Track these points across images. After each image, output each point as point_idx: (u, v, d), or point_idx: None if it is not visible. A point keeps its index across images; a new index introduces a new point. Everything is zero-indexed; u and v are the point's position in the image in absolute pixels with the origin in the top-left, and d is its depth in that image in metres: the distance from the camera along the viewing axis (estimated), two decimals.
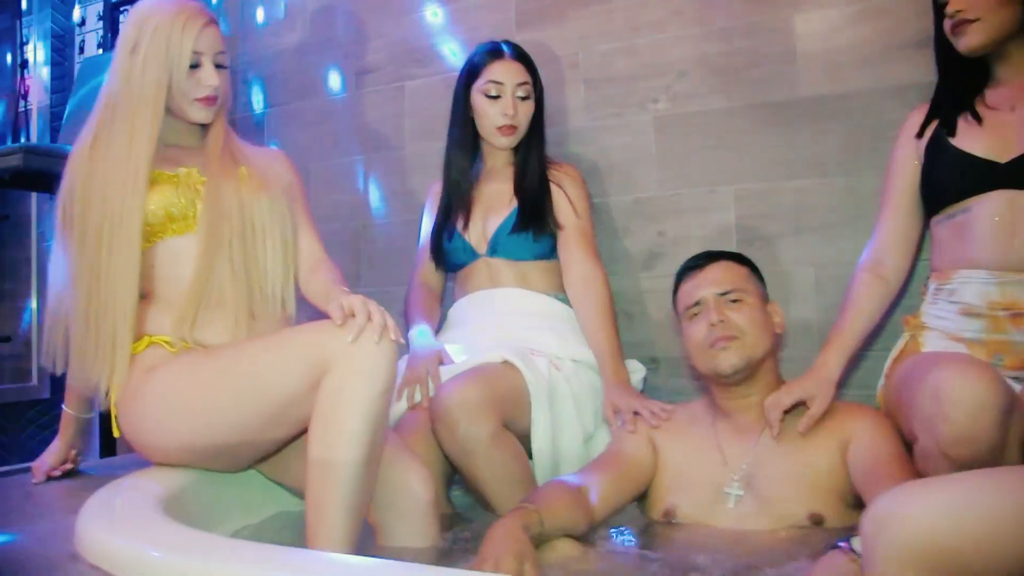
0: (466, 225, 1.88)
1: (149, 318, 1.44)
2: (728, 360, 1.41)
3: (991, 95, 1.47)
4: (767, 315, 1.47)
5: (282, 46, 2.57)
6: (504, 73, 1.83)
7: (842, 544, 1.10)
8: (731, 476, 1.43)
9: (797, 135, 1.89)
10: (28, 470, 1.73)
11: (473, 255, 1.87)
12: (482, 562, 1.14)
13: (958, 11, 1.43)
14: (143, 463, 1.55)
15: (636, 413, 1.59)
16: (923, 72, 1.75)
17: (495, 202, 1.89)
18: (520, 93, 1.84)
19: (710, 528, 1.41)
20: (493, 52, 1.86)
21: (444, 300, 2.02)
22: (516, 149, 1.90)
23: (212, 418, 1.33)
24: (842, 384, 1.74)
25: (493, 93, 1.83)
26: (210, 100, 1.48)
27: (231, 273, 1.45)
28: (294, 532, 1.42)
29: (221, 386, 1.32)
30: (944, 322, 1.46)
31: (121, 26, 1.49)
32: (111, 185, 1.41)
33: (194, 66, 1.45)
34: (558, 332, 1.77)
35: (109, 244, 1.39)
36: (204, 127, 1.53)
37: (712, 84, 1.97)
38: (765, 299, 1.51)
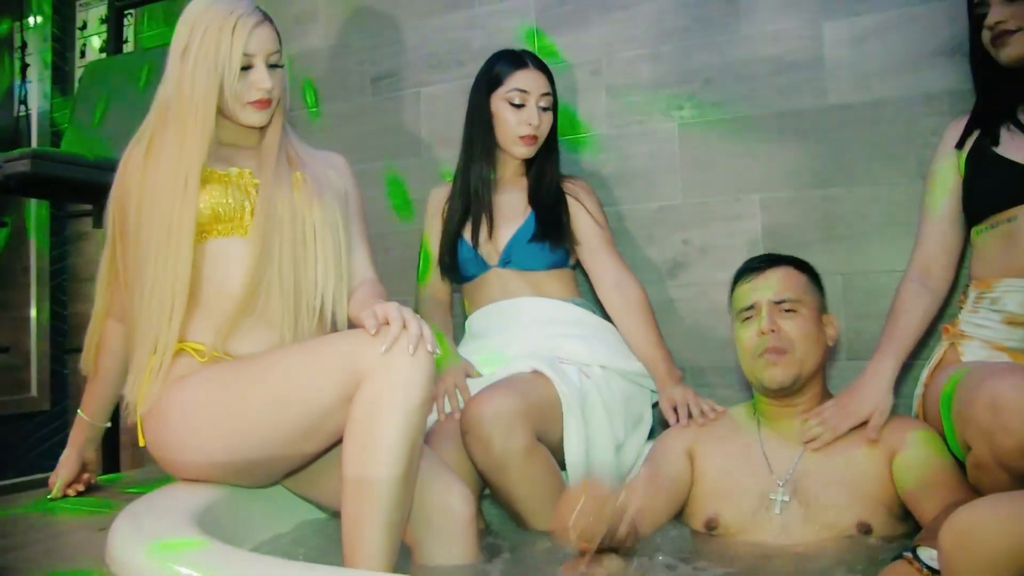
0: (477, 236, 1.84)
1: (186, 322, 1.38)
2: (775, 377, 1.39)
3: None
4: (820, 327, 1.45)
5: (294, 51, 2.53)
6: (529, 82, 1.81)
7: (907, 554, 1.08)
8: (776, 482, 1.40)
9: (825, 143, 1.87)
10: (42, 483, 1.67)
11: (484, 267, 1.84)
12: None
13: (999, 22, 1.42)
14: (152, 477, 1.51)
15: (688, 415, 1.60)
16: (953, 80, 1.75)
17: (507, 212, 1.86)
18: (543, 104, 1.83)
19: (755, 537, 1.38)
20: (517, 61, 1.84)
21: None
22: (529, 160, 1.88)
23: (243, 433, 1.29)
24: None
25: (517, 101, 1.81)
26: (263, 103, 1.42)
27: (279, 284, 1.39)
28: (325, 540, 1.39)
29: (252, 399, 1.28)
30: (986, 331, 1.44)
31: (176, 29, 1.43)
32: (163, 188, 1.37)
33: (246, 68, 1.40)
34: (584, 338, 1.74)
35: (160, 246, 1.35)
36: (254, 129, 1.48)
37: (739, 91, 1.95)
38: (822, 310, 1.49)
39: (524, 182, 1.90)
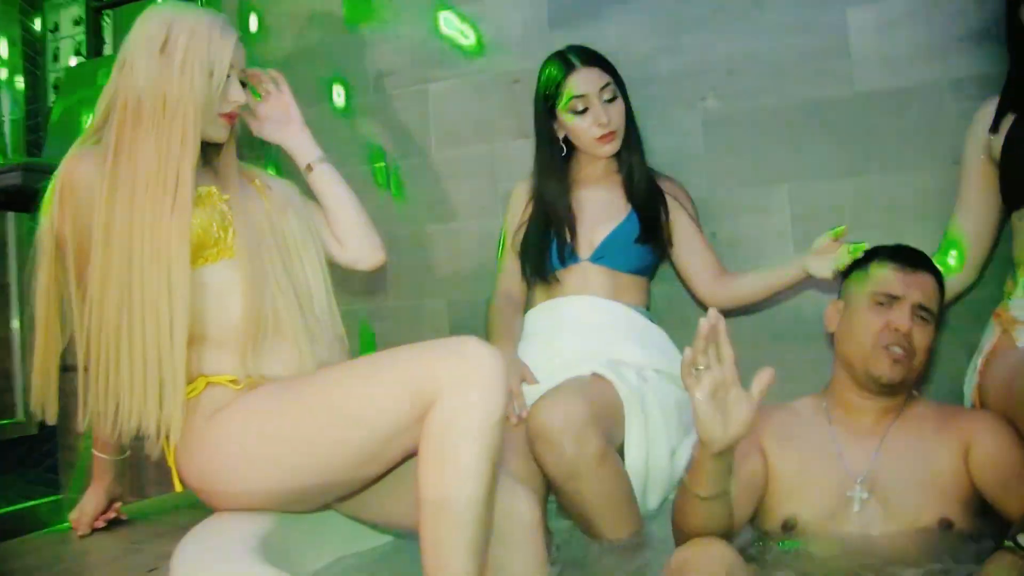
0: (566, 232, 1.80)
1: (197, 358, 1.29)
2: (889, 373, 1.35)
3: None
4: (933, 344, 1.42)
5: (290, 49, 2.42)
6: (584, 84, 1.75)
7: (1009, 543, 1.06)
8: (854, 479, 1.37)
9: (853, 131, 1.85)
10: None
11: (572, 259, 1.79)
12: None
13: None
14: (171, 507, 1.45)
15: None
16: (981, 65, 1.74)
17: (601, 210, 1.82)
18: (606, 96, 1.77)
19: (834, 536, 1.34)
20: (564, 65, 1.78)
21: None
22: (617, 154, 1.82)
23: (302, 459, 1.21)
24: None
25: (580, 108, 1.75)
26: (233, 117, 1.37)
27: (280, 296, 1.32)
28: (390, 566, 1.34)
29: (311, 424, 1.20)
30: None
31: (138, 25, 1.31)
32: (143, 200, 1.24)
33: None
34: (639, 341, 1.71)
35: (148, 267, 1.22)
36: (207, 146, 1.38)
37: (763, 81, 1.92)
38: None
39: (617, 178, 1.85)
